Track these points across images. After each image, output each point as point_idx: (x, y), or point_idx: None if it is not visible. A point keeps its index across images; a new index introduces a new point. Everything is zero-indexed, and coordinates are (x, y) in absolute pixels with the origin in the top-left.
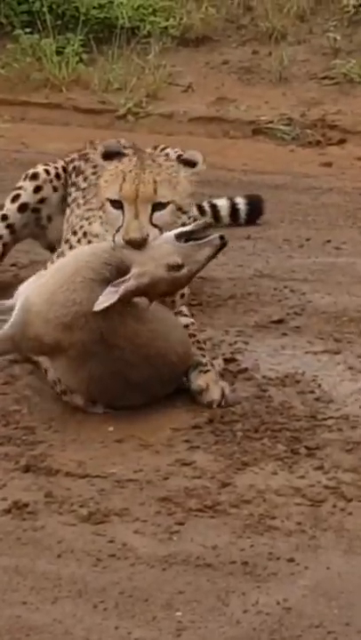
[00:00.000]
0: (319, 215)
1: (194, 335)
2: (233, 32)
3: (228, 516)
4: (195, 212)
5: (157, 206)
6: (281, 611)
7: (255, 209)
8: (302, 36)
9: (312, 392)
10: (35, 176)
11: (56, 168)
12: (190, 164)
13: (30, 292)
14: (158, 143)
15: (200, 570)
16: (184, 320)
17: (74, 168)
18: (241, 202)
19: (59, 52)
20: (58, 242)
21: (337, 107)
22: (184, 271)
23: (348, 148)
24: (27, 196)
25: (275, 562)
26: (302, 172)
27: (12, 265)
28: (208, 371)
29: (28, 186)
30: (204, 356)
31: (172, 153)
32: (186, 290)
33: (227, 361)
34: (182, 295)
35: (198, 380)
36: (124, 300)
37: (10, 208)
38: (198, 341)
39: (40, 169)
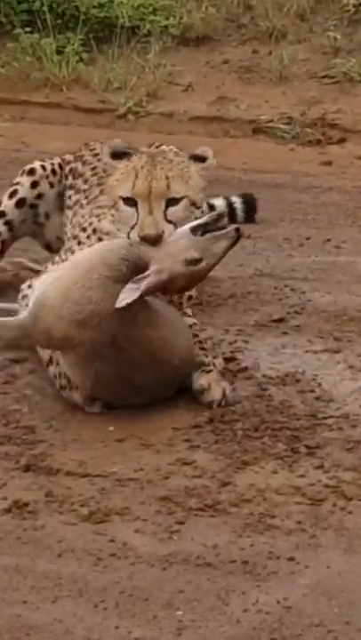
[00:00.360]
0: (319, 214)
1: (196, 335)
2: (233, 31)
3: (228, 515)
4: (206, 206)
5: (171, 202)
6: (281, 610)
7: (250, 207)
8: (302, 35)
9: (312, 391)
10: (31, 171)
11: (52, 164)
12: (201, 159)
13: (47, 285)
14: (159, 142)
15: (200, 569)
16: (187, 320)
17: (70, 170)
18: (237, 201)
19: (59, 52)
20: (56, 240)
21: (337, 106)
22: (202, 265)
23: (348, 147)
24: (24, 191)
25: (275, 561)
26: (302, 170)
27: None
28: (210, 371)
29: (25, 181)
30: (206, 355)
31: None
32: (193, 292)
33: (227, 360)
34: (190, 297)
35: (200, 380)
36: (145, 296)
37: (7, 204)
38: (200, 341)
39: (37, 164)
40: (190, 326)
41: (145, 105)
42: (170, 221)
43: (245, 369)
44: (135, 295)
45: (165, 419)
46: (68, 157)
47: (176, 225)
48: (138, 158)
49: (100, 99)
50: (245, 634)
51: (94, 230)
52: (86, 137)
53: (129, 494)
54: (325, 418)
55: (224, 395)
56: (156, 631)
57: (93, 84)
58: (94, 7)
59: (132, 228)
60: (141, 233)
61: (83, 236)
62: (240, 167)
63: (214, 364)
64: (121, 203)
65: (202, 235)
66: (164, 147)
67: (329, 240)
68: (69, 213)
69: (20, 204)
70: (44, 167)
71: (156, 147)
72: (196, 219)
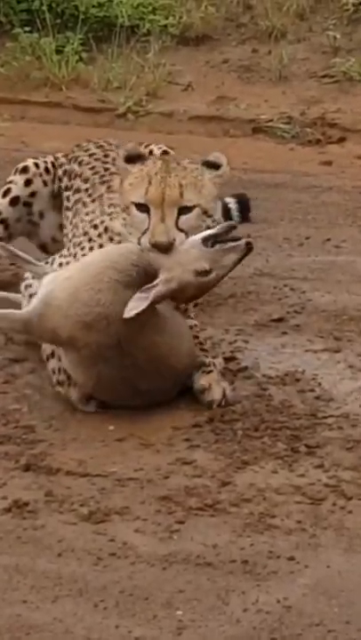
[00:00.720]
0: (319, 214)
1: (197, 336)
2: (233, 31)
3: (228, 514)
4: (218, 214)
5: (183, 210)
6: (281, 609)
7: (245, 207)
8: (302, 35)
9: (312, 390)
10: (25, 169)
11: (45, 162)
12: (214, 166)
13: (55, 285)
14: (159, 142)
15: (200, 569)
16: (188, 322)
17: (65, 172)
18: (231, 201)
19: (58, 51)
20: (51, 241)
21: (337, 105)
22: (212, 276)
23: (347, 147)
24: (18, 189)
25: (275, 560)
26: (302, 170)
27: (12, 264)
28: (211, 371)
29: (19, 179)
30: (206, 356)
31: (156, 149)
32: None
33: (227, 360)
34: (196, 304)
35: (201, 380)
36: (154, 305)
37: (1, 203)
38: (201, 342)
39: (30, 162)
40: (191, 327)
41: (145, 104)
42: (181, 230)
43: (245, 369)
44: (144, 305)
45: (165, 418)
46: (61, 160)
47: (187, 233)
48: (152, 163)
49: (100, 98)
50: (245, 633)
51: (105, 229)
52: (86, 136)
53: (129, 494)
54: (325, 417)
55: (224, 395)
56: (156, 631)
57: (93, 83)
58: (94, 6)
59: (144, 233)
60: (152, 240)
61: (94, 233)
62: (240, 167)
63: (214, 364)
64: (133, 208)
65: (212, 245)
66: (152, 146)
67: (329, 240)
68: (69, 214)
69: (14, 202)
70: (37, 165)
71: (145, 146)
72: (208, 227)
